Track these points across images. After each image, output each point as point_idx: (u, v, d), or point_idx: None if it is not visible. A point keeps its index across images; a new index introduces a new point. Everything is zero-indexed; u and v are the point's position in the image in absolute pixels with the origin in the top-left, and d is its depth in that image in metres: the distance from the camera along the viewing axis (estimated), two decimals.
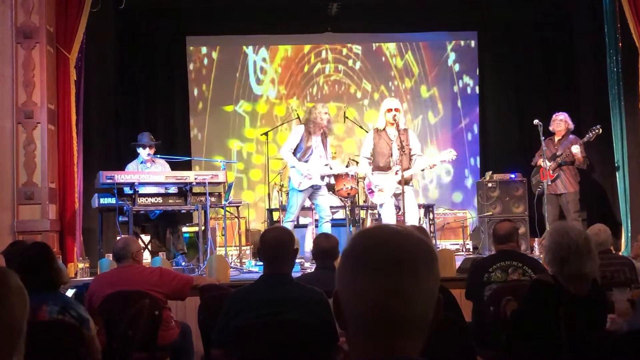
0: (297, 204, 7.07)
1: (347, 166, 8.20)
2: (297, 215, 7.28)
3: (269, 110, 10.92)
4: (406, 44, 11.06)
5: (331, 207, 8.30)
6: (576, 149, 7.69)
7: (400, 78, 11.03)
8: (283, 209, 8.02)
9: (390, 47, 11.05)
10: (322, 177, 7.08)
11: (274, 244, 3.26)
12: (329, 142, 7.27)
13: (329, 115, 7.11)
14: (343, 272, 1.25)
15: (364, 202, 8.39)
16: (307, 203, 7.51)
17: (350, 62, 11.04)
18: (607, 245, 4.94)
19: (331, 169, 7.15)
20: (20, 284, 1.52)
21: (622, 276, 4.62)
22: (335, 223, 8.15)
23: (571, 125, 7.98)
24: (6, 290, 1.47)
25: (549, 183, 7.77)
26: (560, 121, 7.96)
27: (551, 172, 7.77)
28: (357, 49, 11.05)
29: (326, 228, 6.96)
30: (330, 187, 8.39)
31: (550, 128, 8.04)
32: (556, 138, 8.00)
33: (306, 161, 7.02)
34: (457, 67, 11.04)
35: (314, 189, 7.08)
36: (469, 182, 10.81)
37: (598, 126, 7.81)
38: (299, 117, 8.86)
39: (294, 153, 7.06)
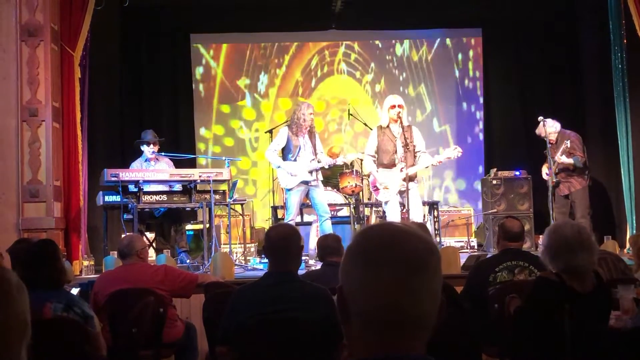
0: (292, 203, 7.07)
1: (351, 164, 8.19)
2: (296, 214, 7.26)
3: (274, 108, 10.91)
4: (410, 41, 11.04)
5: (335, 205, 8.30)
6: (562, 158, 7.69)
7: (403, 75, 11.01)
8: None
9: (394, 44, 11.03)
10: (311, 172, 7.07)
11: (279, 242, 3.25)
12: (318, 139, 7.27)
13: (313, 115, 7.10)
14: (350, 268, 1.23)
15: (368, 199, 8.39)
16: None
17: (354, 60, 11.02)
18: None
19: (319, 162, 7.13)
20: (19, 279, 1.53)
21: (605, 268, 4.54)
22: (340, 221, 8.14)
23: (553, 128, 7.82)
24: (8, 287, 1.48)
25: (556, 186, 7.82)
26: (541, 129, 7.73)
27: (554, 177, 7.78)
28: (361, 46, 11.03)
29: (327, 226, 6.95)
30: (335, 185, 8.39)
31: None
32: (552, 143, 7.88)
33: (295, 160, 7.04)
34: (461, 64, 11.02)
35: (307, 185, 7.07)
36: (473, 179, 10.79)
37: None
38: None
39: (284, 154, 7.07)
